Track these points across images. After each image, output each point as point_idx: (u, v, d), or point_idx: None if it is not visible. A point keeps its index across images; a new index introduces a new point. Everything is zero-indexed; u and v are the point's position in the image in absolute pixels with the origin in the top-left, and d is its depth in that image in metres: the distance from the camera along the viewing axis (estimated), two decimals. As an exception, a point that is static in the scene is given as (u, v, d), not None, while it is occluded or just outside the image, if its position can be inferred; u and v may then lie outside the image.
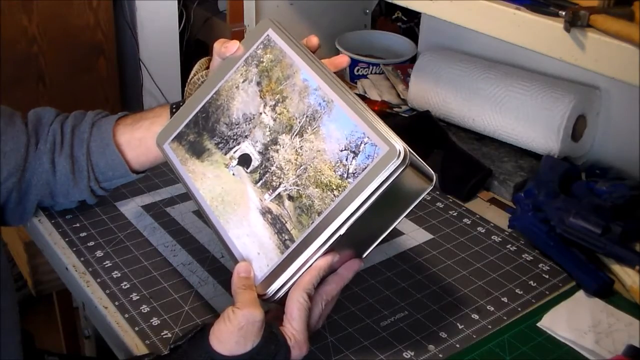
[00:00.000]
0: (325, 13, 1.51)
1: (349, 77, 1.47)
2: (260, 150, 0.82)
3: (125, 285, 0.89)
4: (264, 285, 0.72)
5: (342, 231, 0.70)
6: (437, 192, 1.12)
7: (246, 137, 0.84)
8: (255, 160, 0.81)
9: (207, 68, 1.18)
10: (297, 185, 0.76)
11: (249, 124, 0.85)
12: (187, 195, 0.88)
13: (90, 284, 0.89)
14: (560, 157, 1.11)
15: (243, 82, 0.88)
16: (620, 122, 1.12)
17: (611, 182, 1.02)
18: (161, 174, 1.13)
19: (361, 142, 0.73)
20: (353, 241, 0.73)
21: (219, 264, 0.94)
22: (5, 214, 0.94)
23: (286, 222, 0.74)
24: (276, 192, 0.77)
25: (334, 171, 0.74)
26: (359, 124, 0.74)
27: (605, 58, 0.74)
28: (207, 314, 0.85)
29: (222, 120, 0.87)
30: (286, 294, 0.71)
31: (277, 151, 0.80)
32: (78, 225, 1.00)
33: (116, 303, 0.86)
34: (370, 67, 1.45)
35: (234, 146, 0.84)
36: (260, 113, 0.84)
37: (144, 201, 1.06)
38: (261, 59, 0.87)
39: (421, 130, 1.18)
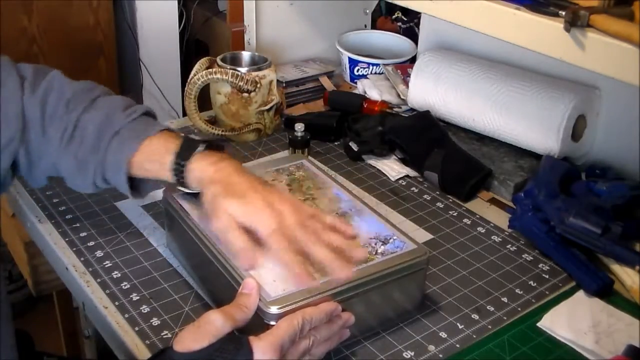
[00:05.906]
0: (325, 13, 1.51)
1: (349, 77, 1.47)
2: None
3: (125, 285, 0.89)
4: (272, 303, 0.72)
5: (362, 288, 0.76)
6: (437, 192, 1.12)
7: None
8: None
9: (207, 68, 1.19)
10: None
11: None
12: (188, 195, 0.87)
13: (90, 284, 0.89)
14: (560, 157, 1.11)
15: (272, 180, 0.91)
16: (620, 122, 1.12)
17: (611, 182, 1.02)
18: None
19: (390, 238, 0.82)
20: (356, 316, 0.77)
21: (219, 264, 0.94)
22: (23, 176, 0.91)
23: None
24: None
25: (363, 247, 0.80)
26: (388, 228, 0.84)
27: (605, 58, 0.74)
28: (207, 314, 0.85)
29: None
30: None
31: None
32: (78, 225, 1.00)
33: (116, 303, 0.86)
34: (370, 67, 1.45)
35: None
36: None
37: (144, 201, 1.06)
38: (293, 173, 0.93)
39: (421, 130, 1.18)
